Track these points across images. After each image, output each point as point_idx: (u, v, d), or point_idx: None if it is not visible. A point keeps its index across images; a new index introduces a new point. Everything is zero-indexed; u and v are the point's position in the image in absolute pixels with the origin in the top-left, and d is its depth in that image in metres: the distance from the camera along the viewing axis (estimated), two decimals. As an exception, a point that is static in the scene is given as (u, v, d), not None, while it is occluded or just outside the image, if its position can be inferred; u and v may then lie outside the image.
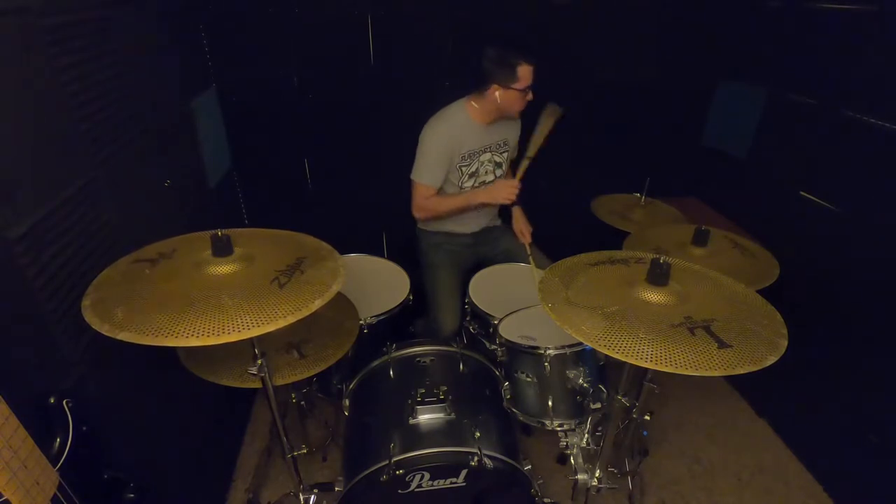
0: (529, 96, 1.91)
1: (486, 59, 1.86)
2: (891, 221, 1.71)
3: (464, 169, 2.05)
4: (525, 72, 1.83)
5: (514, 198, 1.98)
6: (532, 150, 1.97)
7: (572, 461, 1.62)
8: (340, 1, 2.21)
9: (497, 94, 1.88)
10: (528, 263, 2.13)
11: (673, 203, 2.29)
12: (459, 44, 2.33)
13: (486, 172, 2.12)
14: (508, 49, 1.84)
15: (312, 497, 1.54)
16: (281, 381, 1.39)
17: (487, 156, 2.08)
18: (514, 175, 2.06)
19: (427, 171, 1.99)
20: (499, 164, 2.13)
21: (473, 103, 1.99)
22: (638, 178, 2.22)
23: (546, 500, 1.55)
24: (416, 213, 2.11)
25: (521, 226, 2.21)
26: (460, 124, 1.99)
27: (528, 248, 2.16)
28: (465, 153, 2.02)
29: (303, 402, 1.91)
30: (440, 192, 2.08)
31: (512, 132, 2.13)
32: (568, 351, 1.68)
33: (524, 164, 1.99)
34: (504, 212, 2.32)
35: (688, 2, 2.48)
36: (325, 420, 2.15)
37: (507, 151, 2.14)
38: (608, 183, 2.21)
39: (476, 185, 2.11)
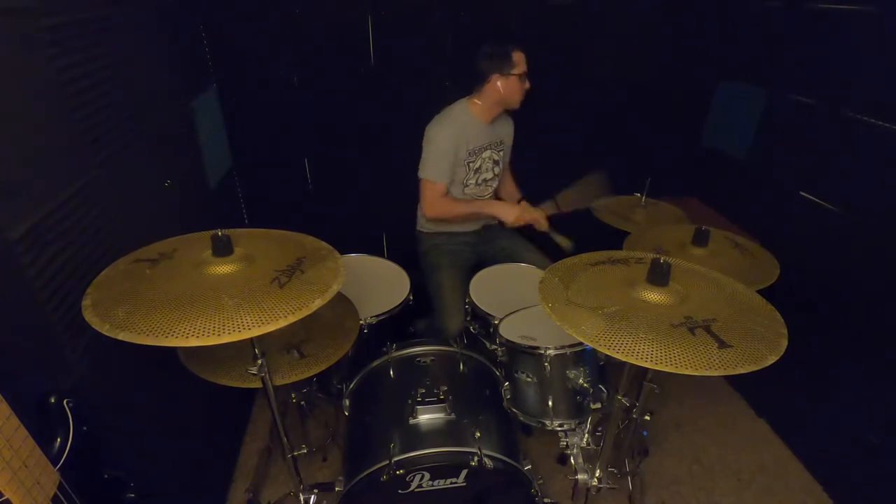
0: (527, 84, 1.99)
1: (482, 56, 1.95)
2: (891, 221, 1.71)
3: (470, 165, 2.09)
4: (519, 57, 1.94)
5: (516, 224, 2.06)
6: (565, 207, 2.07)
7: (572, 461, 1.62)
8: (340, 1, 2.21)
9: (499, 83, 1.96)
10: (528, 263, 2.16)
11: (673, 203, 2.28)
12: (459, 44, 2.33)
13: (487, 169, 2.15)
14: (500, 39, 1.94)
15: (312, 497, 1.54)
16: (281, 381, 1.39)
17: (488, 153, 2.13)
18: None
19: (437, 168, 2.01)
20: (497, 162, 2.17)
21: (476, 101, 2.05)
22: (638, 179, 2.22)
23: (546, 500, 1.55)
24: (429, 212, 2.10)
25: (536, 215, 2.09)
26: (465, 122, 2.03)
27: (549, 231, 2.08)
28: (470, 149, 2.06)
29: (303, 402, 1.92)
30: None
31: (508, 132, 2.20)
32: (568, 351, 1.68)
33: (550, 208, 2.07)
34: None
35: (688, 2, 2.48)
36: (325, 420, 2.15)
37: (503, 150, 2.19)
38: (608, 184, 2.21)
39: (478, 181, 2.15)
